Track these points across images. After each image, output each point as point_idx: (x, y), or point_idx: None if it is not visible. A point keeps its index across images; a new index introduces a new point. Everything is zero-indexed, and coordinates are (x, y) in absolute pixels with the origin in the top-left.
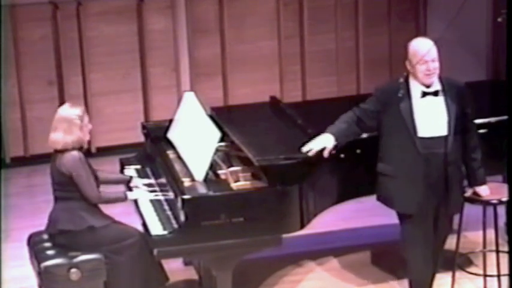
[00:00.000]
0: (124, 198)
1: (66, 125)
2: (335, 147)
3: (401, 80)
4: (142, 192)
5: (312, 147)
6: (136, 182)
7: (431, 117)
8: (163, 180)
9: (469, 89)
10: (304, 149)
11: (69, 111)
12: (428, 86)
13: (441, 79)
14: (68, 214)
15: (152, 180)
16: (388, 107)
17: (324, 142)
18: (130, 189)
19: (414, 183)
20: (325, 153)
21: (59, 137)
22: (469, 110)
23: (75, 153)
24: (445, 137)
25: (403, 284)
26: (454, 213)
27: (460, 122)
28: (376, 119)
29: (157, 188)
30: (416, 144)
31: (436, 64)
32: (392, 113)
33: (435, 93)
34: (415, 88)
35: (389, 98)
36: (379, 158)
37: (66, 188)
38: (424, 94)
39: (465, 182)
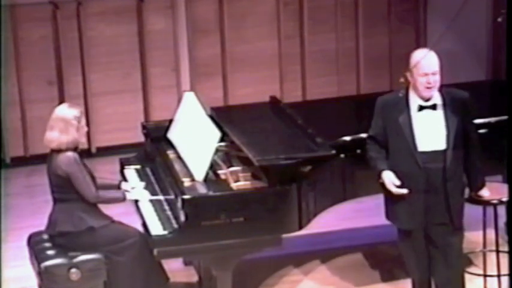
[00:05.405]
0: (123, 199)
1: (63, 125)
2: None
3: (401, 94)
4: (142, 192)
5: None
6: (126, 185)
7: (428, 131)
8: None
9: (470, 90)
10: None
11: (67, 111)
12: (427, 100)
13: (442, 92)
14: (67, 215)
15: (141, 183)
16: (388, 121)
17: (391, 179)
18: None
19: (415, 199)
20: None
21: (54, 136)
22: (472, 121)
23: (69, 154)
24: (443, 151)
25: (403, 284)
26: (457, 226)
27: (461, 135)
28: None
29: (157, 188)
30: (417, 159)
31: (437, 77)
32: (392, 127)
33: (433, 107)
34: (413, 101)
35: (388, 111)
36: None
37: (64, 189)
38: (421, 108)
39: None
